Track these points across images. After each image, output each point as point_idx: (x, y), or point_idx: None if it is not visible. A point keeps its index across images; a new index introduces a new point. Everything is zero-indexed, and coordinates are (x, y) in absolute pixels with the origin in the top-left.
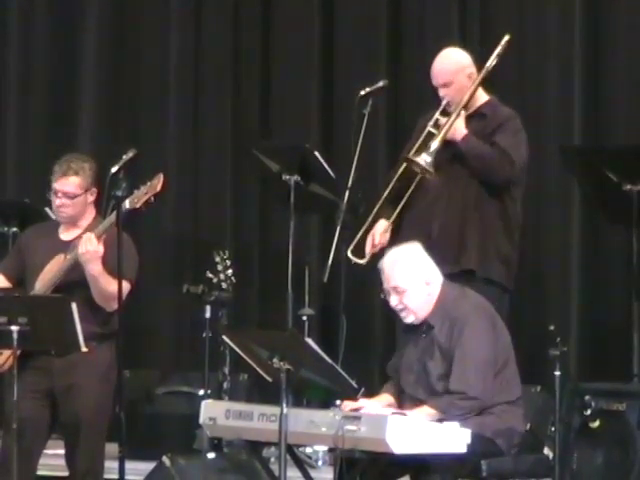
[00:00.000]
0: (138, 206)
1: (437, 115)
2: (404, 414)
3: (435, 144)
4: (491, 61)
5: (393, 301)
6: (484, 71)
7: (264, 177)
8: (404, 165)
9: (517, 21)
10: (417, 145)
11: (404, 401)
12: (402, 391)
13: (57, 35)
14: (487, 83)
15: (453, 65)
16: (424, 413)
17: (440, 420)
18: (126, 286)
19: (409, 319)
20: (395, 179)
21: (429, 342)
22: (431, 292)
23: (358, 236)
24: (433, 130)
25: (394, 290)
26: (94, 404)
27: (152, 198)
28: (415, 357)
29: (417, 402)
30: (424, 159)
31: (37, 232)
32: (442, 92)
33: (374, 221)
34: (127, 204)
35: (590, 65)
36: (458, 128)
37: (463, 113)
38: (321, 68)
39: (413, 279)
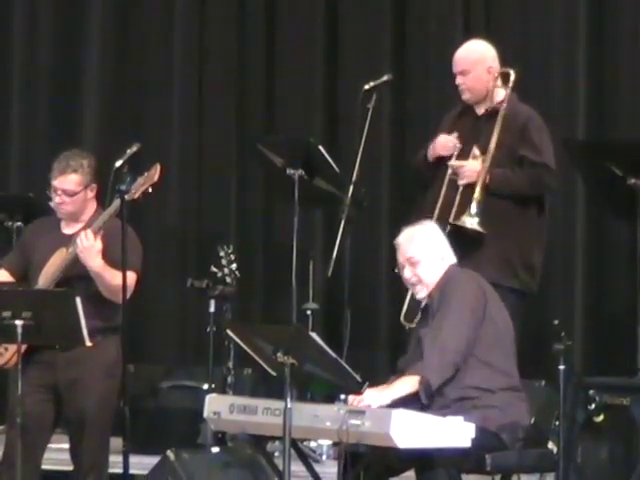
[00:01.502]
0: (136, 197)
1: (453, 161)
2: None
3: (474, 206)
4: (505, 101)
5: (407, 273)
6: (500, 114)
7: (268, 172)
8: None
9: (521, 15)
10: (443, 196)
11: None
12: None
13: (60, 32)
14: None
15: (475, 55)
16: (404, 383)
17: (444, 414)
18: (132, 276)
19: (422, 294)
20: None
21: (429, 317)
22: (443, 267)
23: (407, 301)
24: (454, 177)
25: (408, 262)
26: (98, 399)
27: (149, 188)
28: (417, 334)
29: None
30: (470, 223)
31: (39, 227)
32: (459, 79)
33: None
34: (125, 197)
35: (594, 59)
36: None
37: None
38: (325, 62)
39: (428, 251)
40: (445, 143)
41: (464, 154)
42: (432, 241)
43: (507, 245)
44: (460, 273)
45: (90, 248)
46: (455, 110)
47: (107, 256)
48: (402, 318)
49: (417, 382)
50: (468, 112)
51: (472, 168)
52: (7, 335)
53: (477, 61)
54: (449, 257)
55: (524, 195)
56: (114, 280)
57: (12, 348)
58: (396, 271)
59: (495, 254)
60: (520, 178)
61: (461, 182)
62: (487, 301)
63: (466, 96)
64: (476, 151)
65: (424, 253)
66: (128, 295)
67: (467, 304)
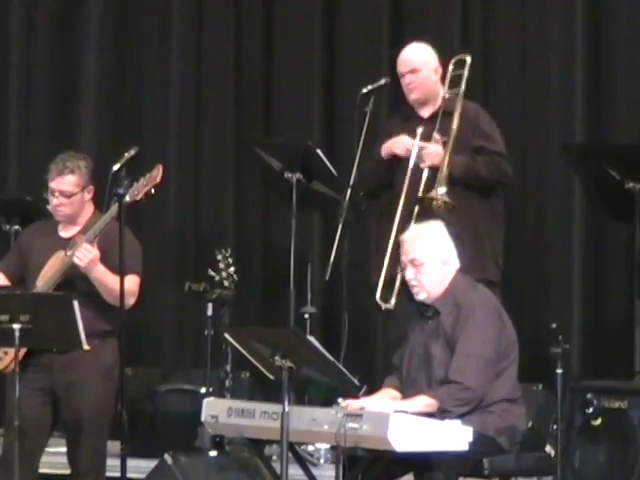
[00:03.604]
0: (138, 198)
1: (417, 142)
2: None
3: (442, 181)
4: (461, 91)
5: (409, 274)
6: (458, 104)
7: (266, 175)
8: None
9: (519, 19)
10: (407, 184)
11: (406, 386)
12: (405, 376)
13: (59, 34)
14: (489, 83)
15: (423, 55)
16: (421, 402)
17: (442, 417)
18: (135, 279)
19: (421, 296)
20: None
21: (434, 327)
22: (446, 272)
23: (381, 282)
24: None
25: (411, 263)
26: (96, 402)
27: (152, 189)
28: (420, 341)
29: (417, 387)
30: (440, 194)
31: (37, 230)
32: (408, 79)
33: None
34: (127, 197)
35: (592, 63)
36: (452, 171)
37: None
38: (323, 66)
39: (431, 254)
40: (406, 144)
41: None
42: (436, 243)
43: (478, 240)
44: (472, 290)
45: (93, 260)
46: (397, 117)
47: (107, 261)
48: (378, 298)
49: (435, 406)
50: (412, 117)
51: (435, 150)
52: (5, 339)
53: (426, 61)
54: (453, 261)
55: (484, 181)
56: (116, 285)
57: (12, 352)
58: (400, 271)
59: (469, 249)
60: (480, 164)
61: (424, 165)
62: (504, 327)
63: (415, 95)
64: (437, 136)
65: (427, 255)
66: (133, 300)
67: (490, 338)
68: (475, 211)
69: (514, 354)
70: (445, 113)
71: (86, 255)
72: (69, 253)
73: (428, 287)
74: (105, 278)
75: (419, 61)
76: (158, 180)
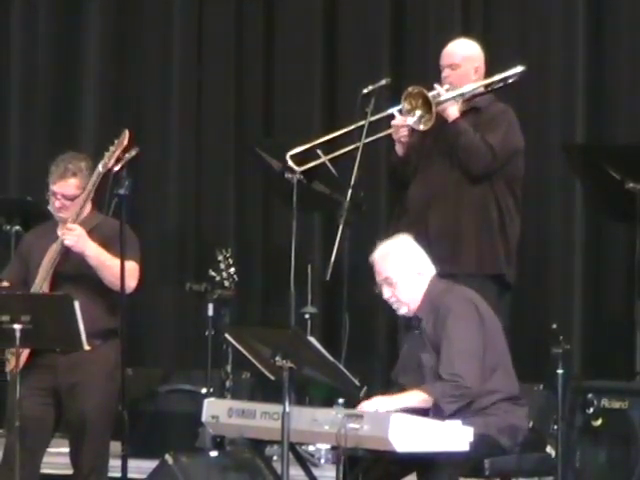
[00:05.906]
0: (110, 166)
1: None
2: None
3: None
4: (496, 80)
5: (386, 294)
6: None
7: (266, 175)
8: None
9: (520, 20)
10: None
11: None
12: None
13: (59, 34)
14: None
15: (466, 51)
16: (416, 397)
17: (444, 418)
18: (134, 266)
19: (402, 311)
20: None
21: (420, 336)
22: (421, 281)
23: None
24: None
25: (386, 282)
26: (98, 402)
27: (122, 154)
28: (411, 353)
29: None
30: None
31: (36, 234)
32: (445, 72)
33: None
34: (100, 168)
35: (593, 63)
36: (451, 111)
37: (459, 100)
38: (324, 66)
39: (404, 270)
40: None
41: (432, 155)
42: (407, 258)
43: (488, 234)
44: (448, 291)
45: (80, 235)
46: None
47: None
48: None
49: (429, 401)
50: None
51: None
52: (6, 339)
53: (468, 58)
54: (427, 270)
55: (466, 157)
56: (114, 263)
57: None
58: (377, 291)
59: (477, 243)
60: (476, 144)
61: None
62: (483, 319)
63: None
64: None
65: (400, 273)
66: (134, 283)
67: (472, 332)
68: (485, 207)
69: (501, 344)
70: (475, 108)
71: (72, 232)
72: (58, 241)
73: (407, 301)
74: (101, 257)
75: (460, 56)
76: (125, 143)
